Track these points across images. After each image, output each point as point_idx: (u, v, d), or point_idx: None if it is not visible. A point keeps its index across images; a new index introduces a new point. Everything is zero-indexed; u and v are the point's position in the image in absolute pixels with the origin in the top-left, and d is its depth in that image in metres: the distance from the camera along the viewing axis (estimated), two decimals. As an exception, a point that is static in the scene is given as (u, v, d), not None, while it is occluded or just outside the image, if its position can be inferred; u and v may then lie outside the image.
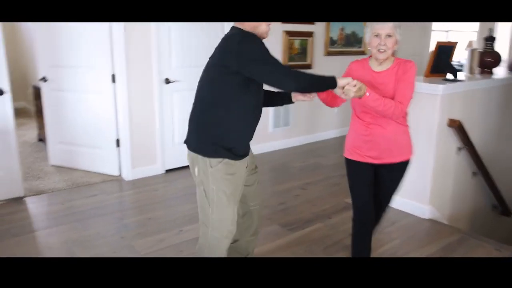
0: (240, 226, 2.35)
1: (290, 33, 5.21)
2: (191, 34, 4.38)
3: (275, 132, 5.46)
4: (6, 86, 3.50)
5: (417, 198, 3.58)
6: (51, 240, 3.07)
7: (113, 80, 4.09)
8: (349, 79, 2.09)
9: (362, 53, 6.00)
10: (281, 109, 5.37)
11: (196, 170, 2.11)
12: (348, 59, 5.90)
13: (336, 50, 5.81)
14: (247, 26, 2.03)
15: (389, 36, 2.18)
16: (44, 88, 4.41)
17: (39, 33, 4.31)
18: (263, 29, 2.05)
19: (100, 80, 4.12)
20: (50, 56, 4.28)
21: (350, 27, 5.90)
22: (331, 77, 2.09)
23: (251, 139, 2.17)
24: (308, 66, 5.55)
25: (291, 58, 5.33)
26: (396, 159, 2.36)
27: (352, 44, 5.96)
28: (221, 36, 2.13)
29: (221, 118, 2.01)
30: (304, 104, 5.63)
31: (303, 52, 5.45)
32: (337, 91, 2.10)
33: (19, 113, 7.11)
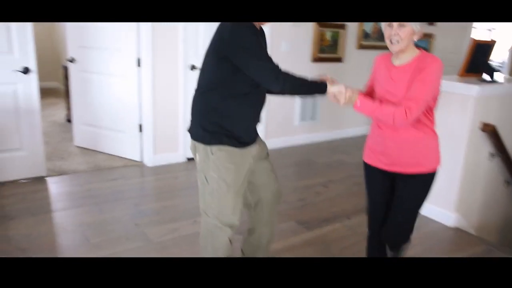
0: (253, 218, 2.30)
1: (321, 24, 5.06)
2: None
3: (300, 126, 5.34)
4: (32, 66, 3.52)
5: (443, 204, 3.41)
6: (66, 221, 3.09)
7: (138, 64, 4.07)
8: (341, 88, 1.98)
9: (397, 48, 5.79)
10: (308, 102, 5.24)
11: (197, 158, 2.09)
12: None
13: (369, 44, 5.61)
14: None
15: (402, 25, 1.90)
16: (72, 69, 4.44)
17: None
18: None
19: (126, 63, 4.11)
20: (78, 36, 4.30)
21: (386, 20, 5.67)
22: (320, 84, 2.00)
23: (253, 126, 2.12)
24: (339, 59, 5.38)
25: (321, 50, 5.18)
26: (411, 169, 2.05)
27: (386, 39, 5.73)
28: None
29: (216, 104, 1.99)
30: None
31: (334, 44, 5.28)
32: (330, 97, 2.03)
33: (51, 92, 7.27)
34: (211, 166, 2.03)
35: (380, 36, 5.68)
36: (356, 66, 5.56)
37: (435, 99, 1.99)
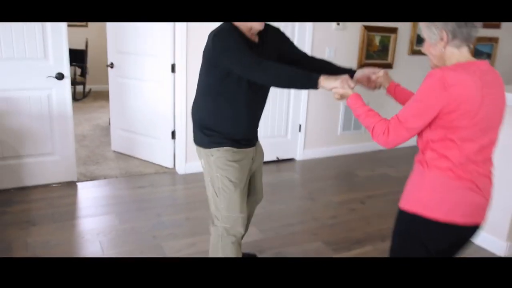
0: None
1: (369, 28, 4.74)
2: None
3: (343, 135, 5.04)
4: (66, 71, 3.55)
5: (493, 231, 3.01)
6: (86, 230, 3.06)
7: (173, 69, 4.00)
8: (336, 83, 1.77)
9: (455, 53, 5.33)
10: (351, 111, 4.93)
11: (202, 162, 2.18)
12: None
13: (423, 49, 5.19)
14: None
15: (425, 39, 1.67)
16: (111, 74, 4.47)
17: (109, 20, 4.36)
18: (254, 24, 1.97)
19: (160, 69, 4.06)
20: (118, 42, 4.31)
21: (443, 23, 5.22)
22: (313, 76, 1.82)
23: (250, 128, 2.17)
24: (389, 66, 5.02)
25: (368, 56, 4.86)
26: (400, 201, 1.75)
27: (443, 43, 5.28)
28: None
29: (211, 109, 2.07)
30: (379, 107, 5.12)
31: (383, 49, 4.94)
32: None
33: (101, 96, 7.46)
34: (214, 167, 2.10)
35: (436, 40, 5.23)
36: (407, 73, 5.17)
37: (451, 126, 1.54)
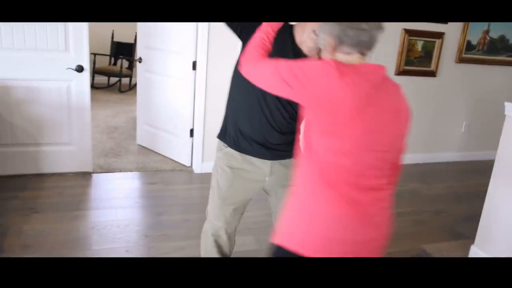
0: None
1: (410, 32, 4.38)
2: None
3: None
4: (86, 64, 3.60)
5: None
6: (82, 222, 3.08)
7: (194, 67, 3.94)
8: None
9: (510, 63, 4.80)
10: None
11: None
12: (489, 70, 4.87)
13: (474, 57, 4.72)
14: None
15: None
16: (139, 69, 4.51)
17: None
18: None
19: (183, 66, 4.01)
20: (147, 37, 4.33)
21: (499, 29, 4.72)
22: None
23: (260, 133, 1.89)
24: (431, 74, 4.63)
25: (408, 62, 4.50)
26: None
27: (497, 52, 4.77)
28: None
29: (226, 105, 2.02)
30: (420, 116, 4.75)
31: (426, 56, 4.55)
32: None
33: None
34: (215, 163, 2.09)
35: (490, 48, 4.75)
36: (453, 82, 4.75)
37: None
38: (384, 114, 1.33)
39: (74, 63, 3.56)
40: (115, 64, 7.49)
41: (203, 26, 3.78)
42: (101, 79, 7.59)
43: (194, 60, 3.92)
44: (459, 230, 3.43)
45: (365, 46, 1.34)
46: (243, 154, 1.95)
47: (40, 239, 2.81)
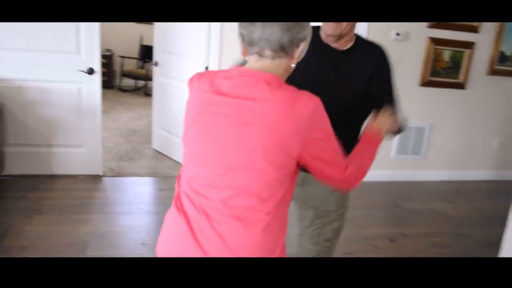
0: None
1: (437, 41, 4.14)
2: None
3: (398, 159, 4.49)
4: (97, 67, 3.60)
5: None
6: (83, 227, 3.03)
7: (207, 73, 3.87)
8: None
9: (549, 77, 4.47)
10: (411, 132, 4.37)
11: None
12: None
13: (508, 70, 4.42)
14: None
15: None
16: (155, 73, 4.48)
17: (159, 19, 4.38)
18: None
19: (196, 70, 3.93)
20: (163, 41, 4.31)
21: (537, 40, 4.39)
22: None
23: None
24: (460, 86, 4.36)
25: (435, 73, 4.25)
26: None
27: (535, 64, 4.45)
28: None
29: None
30: (448, 130, 4.50)
31: (454, 67, 4.29)
32: None
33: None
34: None
35: (526, 60, 4.44)
36: (484, 95, 4.46)
37: None
38: (225, 124, 1.17)
39: (85, 66, 3.56)
40: (142, 67, 7.56)
41: (215, 30, 3.72)
42: (128, 82, 7.68)
43: (206, 65, 3.85)
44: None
45: (260, 46, 1.19)
46: None
47: (37, 242, 2.79)
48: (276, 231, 1.22)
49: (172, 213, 1.31)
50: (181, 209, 1.27)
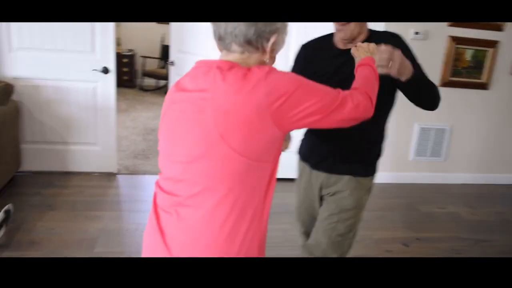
0: None
1: (458, 40, 4.01)
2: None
3: (416, 162, 4.37)
4: (111, 66, 3.64)
5: None
6: (93, 224, 3.07)
7: (221, 72, 3.85)
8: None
9: None
10: (431, 134, 4.25)
11: None
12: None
13: (534, 69, 4.24)
14: None
15: None
16: (172, 72, 4.50)
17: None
18: None
19: (209, 71, 3.94)
20: (179, 40, 4.31)
21: None
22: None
23: (313, 147, 1.94)
24: (483, 86, 4.21)
25: (456, 72, 4.12)
26: None
27: None
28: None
29: None
30: (469, 132, 4.35)
31: (477, 66, 4.14)
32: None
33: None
34: None
35: (553, 59, 4.24)
36: (508, 96, 4.29)
37: None
38: (184, 119, 1.17)
39: (100, 65, 3.60)
40: (164, 67, 7.63)
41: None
42: (150, 82, 7.77)
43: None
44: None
45: (223, 39, 1.20)
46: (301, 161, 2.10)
47: (47, 237, 2.84)
48: (246, 228, 1.16)
49: (150, 214, 1.31)
50: (155, 210, 1.27)
